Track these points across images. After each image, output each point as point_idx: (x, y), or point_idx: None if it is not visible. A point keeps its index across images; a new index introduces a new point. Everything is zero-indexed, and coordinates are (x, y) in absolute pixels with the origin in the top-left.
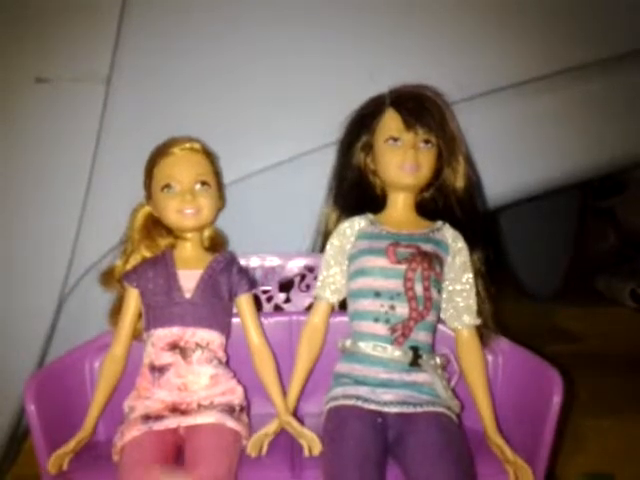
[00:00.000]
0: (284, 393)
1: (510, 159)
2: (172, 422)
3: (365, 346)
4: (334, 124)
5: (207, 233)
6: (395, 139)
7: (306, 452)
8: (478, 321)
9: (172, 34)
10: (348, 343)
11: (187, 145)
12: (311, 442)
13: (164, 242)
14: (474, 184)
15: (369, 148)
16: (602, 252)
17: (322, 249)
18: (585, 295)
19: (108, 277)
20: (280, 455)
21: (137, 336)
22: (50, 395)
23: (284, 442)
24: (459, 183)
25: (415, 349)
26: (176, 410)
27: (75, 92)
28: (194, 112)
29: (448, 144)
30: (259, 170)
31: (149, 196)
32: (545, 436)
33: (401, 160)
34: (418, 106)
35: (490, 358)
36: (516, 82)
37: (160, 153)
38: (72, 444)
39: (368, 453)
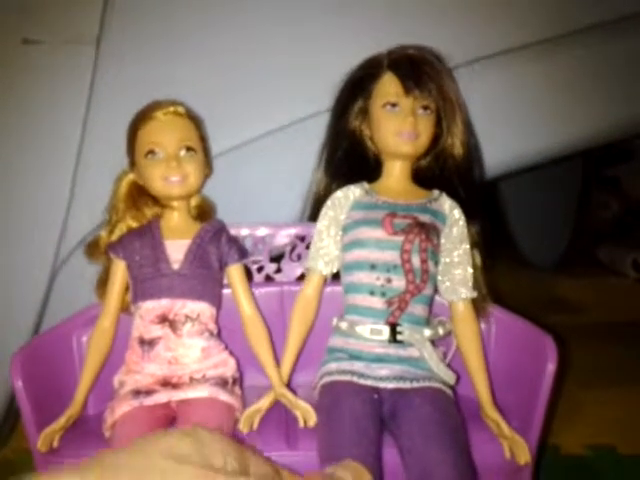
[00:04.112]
0: (277, 364)
1: (512, 126)
2: (163, 397)
3: (362, 330)
4: (327, 91)
5: (194, 202)
6: (393, 104)
7: (301, 423)
8: (474, 294)
9: None
10: (344, 326)
11: (171, 109)
12: (306, 413)
13: (150, 211)
14: (473, 152)
15: (365, 113)
16: (604, 222)
17: (312, 217)
18: (587, 265)
19: (93, 248)
20: (275, 427)
21: (125, 309)
22: (37, 370)
23: (278, 414)
24: (458, 151)
25: (393, 325)
26: (167, 384)
27: (64, 54)
28: (186, 77)
29: (448, 110)
30: (251, 139)
31: (133, 163)
32: (539, 404)
33: (399, 127)
34: (417, 70)
35: (483, 326)
36: (517, 46)
37: (142, 117)
38: (62, 421)
39: (364, 429)
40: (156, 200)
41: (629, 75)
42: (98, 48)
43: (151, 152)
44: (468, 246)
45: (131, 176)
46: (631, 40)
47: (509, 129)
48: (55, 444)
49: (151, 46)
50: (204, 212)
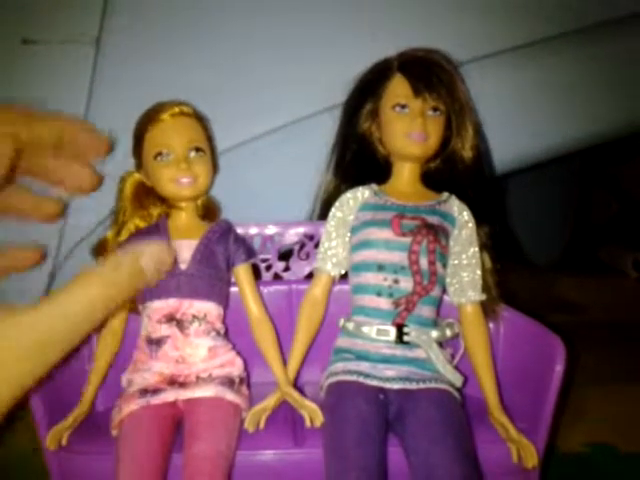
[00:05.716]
0: (284, 363)
1: (518, 124)
2: (170, 395)
3: (369, 331)
4: (334, 87)
5: (200, 201)
6: (402, 106)
7: (307, 423)
8: (483, 296)
9: None
10: (351, 326)
11: (177, 110)
12: (312, 412)
13: (157, 211)
14: (483, 155)
15: (375, 115)
16: (605, 221)
17: (321, 218)
18: (587, 264)
19: (100, 250)
20: (281, 426)
21: (133, 308)
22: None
23: (285, 414)
24: (467, 153)
25: (400, 326)
26: (174, 383)
27: (63, 54)
28: (187, 76)
29: (457, 112)
30: (257, 136)
31: (139, 164)
32: (547, 406)
33: (408, 128)
34: (427, 72)
35: (491, 326)
36: (522, 44)
37: (149, 119)
38: (70, 419)
39: (369, 429)
40: (163, 200)
41: (632, 74)
42: (97, 48)
43: (160, 154)
44: (477, 249)
45: (136, 176)
46: (634, 39)
47: (513, 127)
48: (64, 442)
49: (151, 46)
50: (210, 211)
